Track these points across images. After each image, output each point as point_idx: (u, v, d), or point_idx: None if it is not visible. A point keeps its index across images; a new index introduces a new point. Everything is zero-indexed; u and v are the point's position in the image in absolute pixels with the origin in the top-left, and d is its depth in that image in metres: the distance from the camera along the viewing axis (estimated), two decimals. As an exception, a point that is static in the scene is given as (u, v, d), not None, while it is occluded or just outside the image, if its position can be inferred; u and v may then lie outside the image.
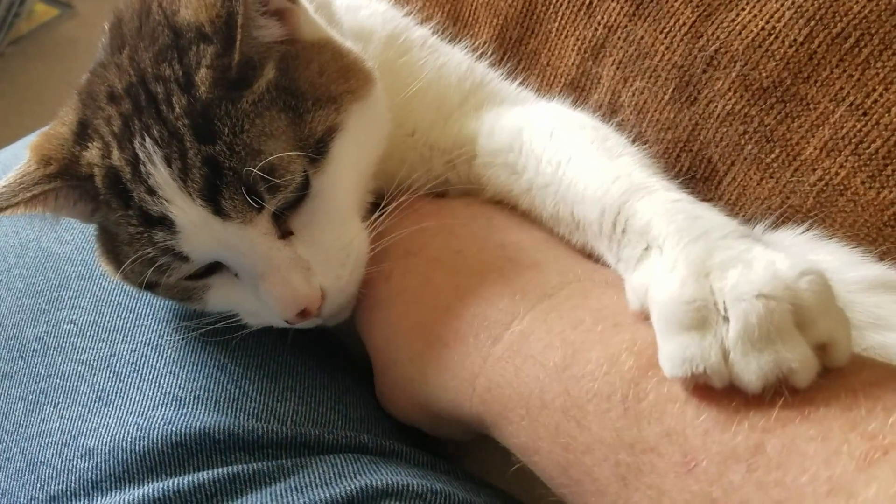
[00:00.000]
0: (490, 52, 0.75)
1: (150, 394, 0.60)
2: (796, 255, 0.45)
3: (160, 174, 0.54)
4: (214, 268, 0.59)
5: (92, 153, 0.56)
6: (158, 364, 0.62)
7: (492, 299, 0.55)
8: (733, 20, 0.64)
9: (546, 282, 0.55)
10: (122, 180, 0.55)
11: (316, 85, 0.58)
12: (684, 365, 0.42)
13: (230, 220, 0.54)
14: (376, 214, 0.62)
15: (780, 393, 0.41)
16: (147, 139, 0.54)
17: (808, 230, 0.60)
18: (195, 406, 0.59)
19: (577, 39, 0.73)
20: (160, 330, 0.64)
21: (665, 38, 0.67)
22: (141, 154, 0.54)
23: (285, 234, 0.57)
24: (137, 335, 0.64)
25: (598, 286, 0.54)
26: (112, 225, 0.57)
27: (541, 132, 0.62)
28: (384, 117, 0.63)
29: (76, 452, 0.58)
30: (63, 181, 0.57)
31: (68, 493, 0.57)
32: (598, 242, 0.55)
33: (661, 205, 0.51)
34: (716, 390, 0.42)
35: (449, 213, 0.64)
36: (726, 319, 0.42)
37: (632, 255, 0.50)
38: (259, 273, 0.57)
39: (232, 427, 0.58)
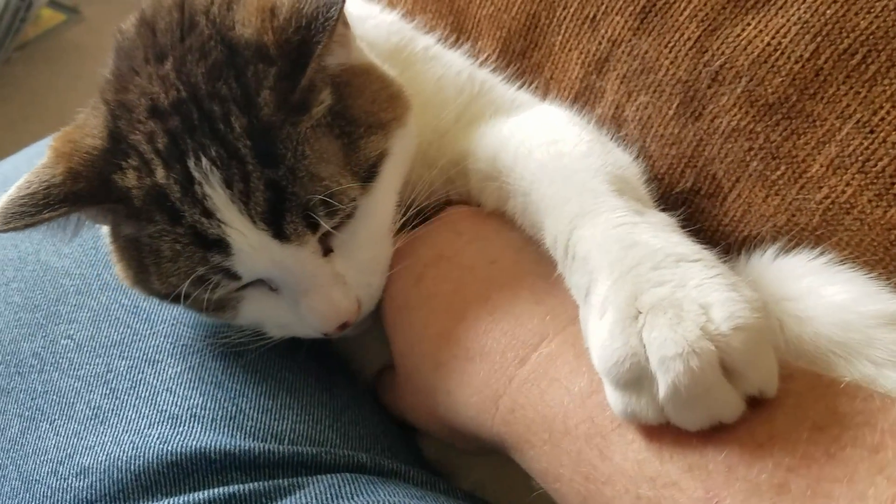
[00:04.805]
0: (493, 64, 0.74)
1: (147, 411, 0.59)
2: (739, 290, 0.43)
3: (219, 196, 0.53)
4: (253, 281, 0.58)
5: (127, 175, 0.55)
6: (155, 381, 0.61)
7: (521, 318, 0.55)
8: (739, 35, 0.63)
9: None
10: (170, 199, 0.54)
11: (368, 112, 0.58)
12: (627, 417, 0.44)
13: (288, 243, 0.54)
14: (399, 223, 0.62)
15: (804, 429, 0.40)
16: (203, 159, 0.53)
17: (821, 254, 0.58)
18: (191, 424, 0.58)
19: (581, 53, 0.72)
20: (157, 346, 0.63)
21: (670, 52, 0.67)
22: (196, 174, 0.53)
23: (327, 251, 0.57)
24: (135, 351, 0.63)
25: None
26: (145, 238, 0.56)
27: (505, 159, 0.61)
28: (415, 139, 0.64)
29: (71, 471, 0.57)
30: (92, 203, 0.56)
31: None
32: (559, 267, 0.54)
33: (601, 231, 0.50)
34: (741, 426, 0.42)
35: (486, 220, 0.63)
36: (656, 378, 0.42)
37: (580, 284, 0.49)
38: (303, 290, 0.57)
39: (228, 446, 0.57)
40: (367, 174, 0.57)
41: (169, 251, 0.55)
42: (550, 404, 0.50)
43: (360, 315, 0.60)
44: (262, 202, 0.53)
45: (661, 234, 0.48)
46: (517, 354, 0.53)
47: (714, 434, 0.42)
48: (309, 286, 0.57)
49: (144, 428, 0.58)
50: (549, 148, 0.59)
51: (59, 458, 0.58)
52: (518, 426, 0.52)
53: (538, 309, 0.55)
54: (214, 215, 0.53)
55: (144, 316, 0.65)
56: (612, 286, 0.45)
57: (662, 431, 0.43)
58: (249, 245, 0.54)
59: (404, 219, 0.62)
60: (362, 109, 0.58)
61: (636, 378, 0.43)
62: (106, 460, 0.57)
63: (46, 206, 0.54)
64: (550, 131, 0.62)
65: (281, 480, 0.57)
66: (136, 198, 0.55)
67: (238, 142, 0.53)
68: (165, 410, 0.59)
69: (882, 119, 0.58)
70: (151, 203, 0.54)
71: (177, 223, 0.54)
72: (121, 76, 0.57)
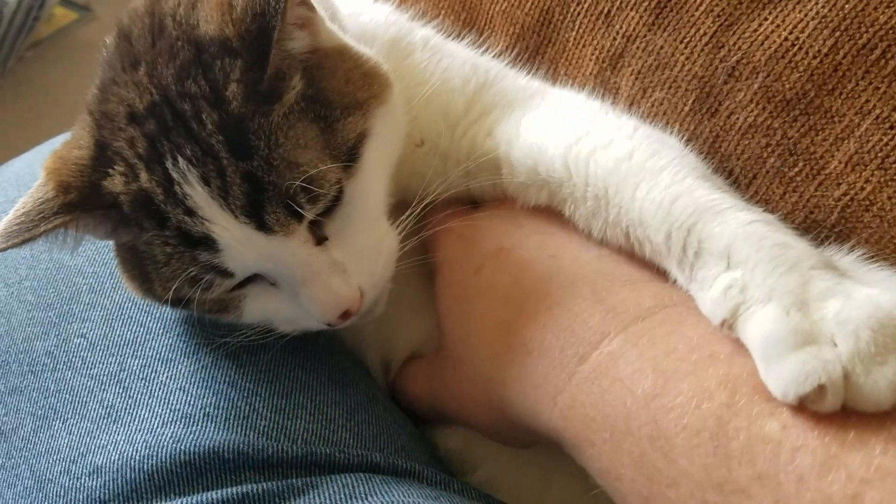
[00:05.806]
0: (505, 59, 0.73)
1: (160, 410, 0.59)
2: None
3: (198, 194, 0.53)
4: (251, 278, 0.58)
5: (115, 180, 0.55)
6: (168, 380, 0.61)
7: (582, 315, 0.55)
8: (756, 30, 0.63)
9: (640, 303, 0.54)
10: (155, 202, 0.54)
11: (343, 93, 0.58)
12: (808, 379, 0.43)
13: (273, 234, 0.54)
14: (406, 214, 0.62)
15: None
16: (180, 159, 0.53)
17: (850, 252, 0.58)
18: (205, 423, 0.58)
19: (595, 49, 0.71)
20: (170, 344, 0.63)
21: (685, 48, 0.66)
22: (175, 175, 0.53)
23: (320, 240, 0.57)
24: (148, 350, 0.63)
25: (693, 313, 0.52)
26: (142, 245, 0.57)
27: (555, 168, 0.60)
28: (402, 118, 0.63)
29: (84, 470, 0.57)
30: (84, 210, 0.56)
31: None
32: (666, 262, 0.55)
33: (739, 227, 0.51)
34: (813, 435, 0.42)
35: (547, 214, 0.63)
36: (834, 344, 0.43)
37: (708, 276, 0.51)
38: (300, 280, 0.57)
39: (241, 446, 0.57)
40: (349, 156, 0.57)
41: (161, 255, 0.56)
42: (612, 404, 0.49)
43: (363, 304, 0.59)
44: (241, 195, 0.53)
45: (801, 241, 0.52)
46: (577, 352, 0.53)
47: (784, 443, 0.42)
48: (305, 276, 0.57)
49: (158, 427, 0.58)
50: (608, 150, 0.59)
51: (72, 458, 0.58)
52: (577, 423, 0.52)
53: (598, 307, 0.54)
54: (196, 213, 0.54)
55: (157, 314, 0.65)
56: (778, 279, 0.48)
57: (730, 438, 0.43)
58: (235, 240, 0.54)
59: (417, 211, 0.62)
60: (336, 91, 0.58)
61: (814, 340, 0.44)
62: (119, 459, 0.57)
63: (42, 219, 0.55)
64: (598, 130, 0.62)
65: (294, 480, 0.57)
66: (124, 203, 0.55)
67: (211, 138, 0.53)
68: (179, 409, 0.59)
69: (902, 115, 0.57)
70: (139, 208, 0.55)
71: (164, 226, 0.55)
72: (104, 88, 0.58)
